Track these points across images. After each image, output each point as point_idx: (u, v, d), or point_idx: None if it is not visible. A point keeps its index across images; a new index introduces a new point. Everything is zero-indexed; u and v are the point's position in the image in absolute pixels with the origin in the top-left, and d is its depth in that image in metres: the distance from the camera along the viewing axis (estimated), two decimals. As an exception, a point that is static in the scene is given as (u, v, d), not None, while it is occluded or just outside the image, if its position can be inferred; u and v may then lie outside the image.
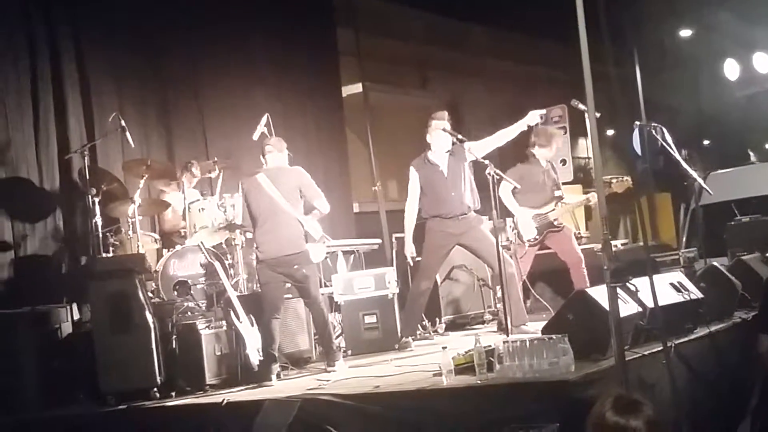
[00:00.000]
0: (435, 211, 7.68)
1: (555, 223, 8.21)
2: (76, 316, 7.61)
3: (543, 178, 8.34)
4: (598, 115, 5.24)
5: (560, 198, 8.31)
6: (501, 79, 16.94)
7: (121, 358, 6.64)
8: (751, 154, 15.20)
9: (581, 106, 7.08)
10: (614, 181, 8.16)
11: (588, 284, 7.53)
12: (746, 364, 6.21)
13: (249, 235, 7.76)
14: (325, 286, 8.39)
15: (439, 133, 7.66)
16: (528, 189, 8.18)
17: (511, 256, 7.91)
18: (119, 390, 6.61)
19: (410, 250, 7.87)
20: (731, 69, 14.50)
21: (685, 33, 15.49)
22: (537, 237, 8.19)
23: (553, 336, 5.17)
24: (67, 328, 7.34)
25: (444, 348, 5.63)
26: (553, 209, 8.24)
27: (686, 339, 6.01)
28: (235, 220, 8.00)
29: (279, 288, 7.12)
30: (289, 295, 7.44)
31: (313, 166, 10.76)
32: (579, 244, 8.52)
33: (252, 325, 6.90)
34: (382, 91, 13.60)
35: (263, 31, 10.93)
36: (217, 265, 7.35)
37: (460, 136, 7.52)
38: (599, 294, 5.38)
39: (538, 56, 17.13)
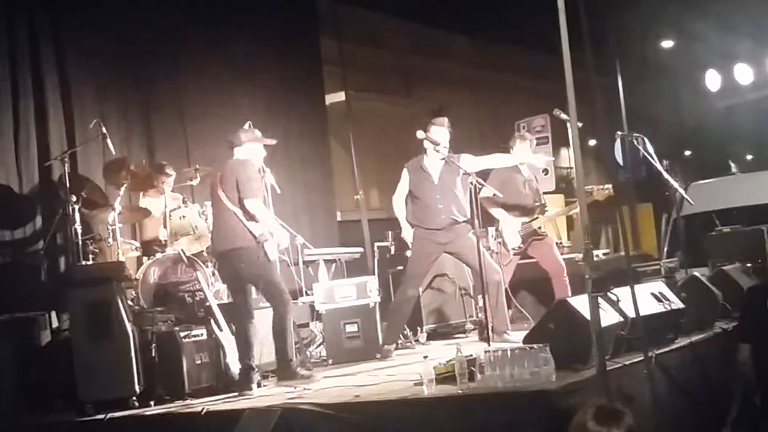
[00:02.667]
0: (421, 222, 7.64)
1: (539, 231, 8.22)
2: (55, 324, 7.54)
3: (524, 187, 8.33)
4: (579, 124, 5.25)
5: (543, 206, 8.32)
6: (485, 88, 17.00)
7: (99, 366, 6.57)
8: (732, 164, 15.29)
9: (563, 116, 7.10)
10: (595, 189, 8.17)
11: (569, 294, 7.53)
12: (726, 375, 6.23)
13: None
14: (307, 294, 8.36)
15: (437, 136, 7.57)
16: (509, 198, 8.18)
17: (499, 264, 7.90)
18: (98, 399, 6.54)
19: (407, 234, 7.76)
20: (713, 80, 14.61)
21: (667, 44, 15.61)
22: (521, 245, 8.19)
23: (535, 345, 5.16)
24: (45, 336, 7.28)
25: (425, 357, 5.61)
26: (537, 218, 8.25)
27: (667, 349, 6.02)
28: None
29: (240, 288, 6.83)
30: (266, 305, 7.39)
31: (295, 175, 10.79)
32: (561, 254, 8.53)
33: (232, 334, 6.86)
34: (365, 100, 13.63)
35: (247, 39, 10.91)
36: (197, 273, 7.30)
37: (439, 147, 7.48)
38: (581, 303, 5.37)
39: (522, 66, 17.22)
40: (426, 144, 7.66)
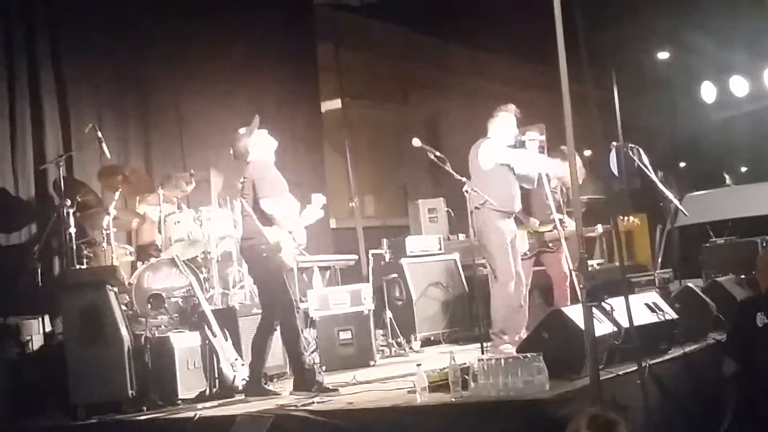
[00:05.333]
0: (501, 205, 7.38)
1: (549, 244, 8.16)
2: (48, 328, 7.52)
3: (546, 197, 8.19)
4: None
5: (560, 221, 8.13)
6: (480, 97, 16.98)
7: (92, 370, 6.56)
8: (727, 176, 15.29)
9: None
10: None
11: (568, 302, 7.53)
12: (719, 386, 6.23)
13: (226, 249, 7.70)
14: (301, 301, 8.36)
15: (504, 123, 7.63)
16: (530, 203, 8.13)
17: None
18: (90, 403, 6.53)
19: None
20: (708, 92, 14.60)
21: (663, 55, 15.58)
22: (527, 252, 8.10)
23: (528, 355, 5.17)
24: (38, 340, 7.26)
25: (418, 365, 5.61)
26: (551, 230, 8.12)
27: (660, 359, 6.03)
28: (210, 233, 7.99)
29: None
30: (257, 311, 7.38)
31: (289, 181, 10.76)
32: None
33: (226, 340, 6.85)
34: (361, 107, 13.61)
35: (244, 44, 10.90)
36: (191, 278, 7.30)
37: (438, 153, 7.47)
38: (575, 313, 5.38)
39: (518, 76, 17.21)
40: (492, 132, 7.71)
